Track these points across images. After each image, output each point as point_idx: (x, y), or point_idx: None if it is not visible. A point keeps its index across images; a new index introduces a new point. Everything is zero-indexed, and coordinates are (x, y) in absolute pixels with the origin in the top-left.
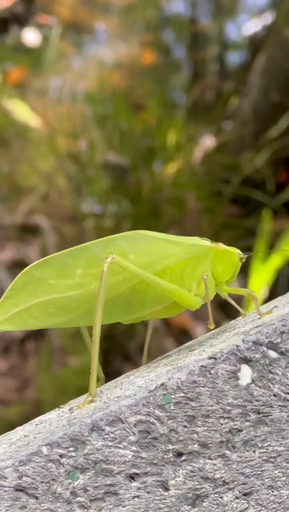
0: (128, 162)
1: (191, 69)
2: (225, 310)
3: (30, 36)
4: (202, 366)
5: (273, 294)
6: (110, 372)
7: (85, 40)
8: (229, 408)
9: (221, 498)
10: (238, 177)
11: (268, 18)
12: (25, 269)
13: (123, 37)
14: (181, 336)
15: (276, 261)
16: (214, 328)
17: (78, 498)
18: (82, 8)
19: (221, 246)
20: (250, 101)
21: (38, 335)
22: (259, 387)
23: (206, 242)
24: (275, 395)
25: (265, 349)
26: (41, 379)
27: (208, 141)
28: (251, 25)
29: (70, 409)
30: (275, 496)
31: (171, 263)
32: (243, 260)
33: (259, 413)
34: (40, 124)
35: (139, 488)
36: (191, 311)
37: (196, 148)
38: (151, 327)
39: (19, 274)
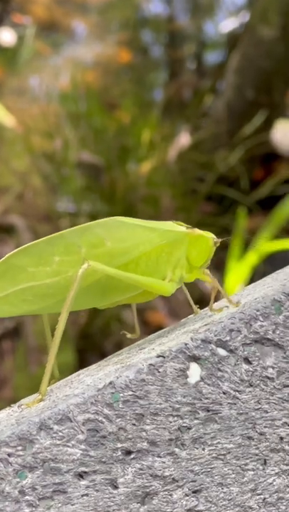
0: (102, 161)
1: (169, 68)
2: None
3: (6, 36)
4: (150, 364)
5: None
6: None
7: (62, 39)
8: (178, 406)
9: (171, 495)
10: (212, 175)
11: (245, 17)
12: (4, 258)
13: (100, 36)
14: None
15: (252, 258)
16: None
17: (27, 497)
18: (58, 8)
19: (196, 231)
20: (225, 99)
21: (14, 334)
22: (208, 385)
23: (181, 228)
24: (224, 393)
25: (214, 347)
26: (17, 378)
27: (183, 140)
28: (228, 24)
29: (19, 407)
30: (224, 493)
31: (147, 249)
32: (218, 245)
33: (208, 411)
34: (15, 123)
35: (87, 487)
36: (166, 296)
37: (170, 147)
38: (134, 306)
39: None
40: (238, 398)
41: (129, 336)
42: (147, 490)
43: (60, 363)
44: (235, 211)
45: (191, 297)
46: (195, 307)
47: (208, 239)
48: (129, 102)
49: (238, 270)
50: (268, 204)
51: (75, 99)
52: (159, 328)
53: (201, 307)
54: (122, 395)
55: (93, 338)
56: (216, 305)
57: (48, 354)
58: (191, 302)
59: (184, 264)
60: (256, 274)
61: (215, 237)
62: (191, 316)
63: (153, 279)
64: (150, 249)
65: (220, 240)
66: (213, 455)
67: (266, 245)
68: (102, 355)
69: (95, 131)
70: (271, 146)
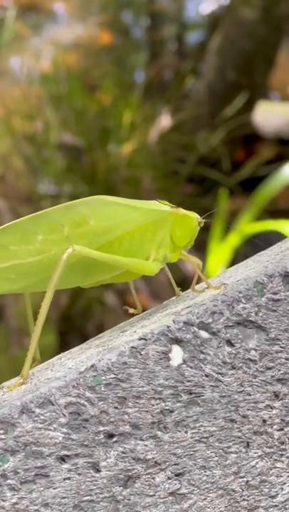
0: (83, 143)
1: (150, 49)
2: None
3: None
4: (132, 347)
5: None
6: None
7: (43, 21)
8: (160, 389)
9: (153, 478)
10: (193, 156)
11: None
12: None
13: (81, 18)
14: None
15: (233, 240)
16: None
17: (9, 481)
18: None
19: (181, 211)
20: (206, 80)
21: None
22: (190, 367)
23: (165, 207)
24: (206, 376)
25: (196, 329)
26: None
27: (164, 121)
28: (209, 5)
29: (0, 390)
30: (207, 475)
31: (131, 228)
32: (202, 225)
33: (191, 394)
34: None
35: (70, 470)
36: (150, 276)
37: (151, 128)
38: (131, 282)
39: None
40: (220, 381)
41: (131, 311)
42: (130, 473)
43: (41, 346)
44: (216, 192)
45: (175, 276)
46: (177, 289)
47: (193, 219)
48: (110, 83)
49: (219, 252)
50: (250, 185)
51: (56, 80)
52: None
53: (183, 289)
54: (104, 378)
55: (75, 321)
56: (198, 286)
57: (29, 335)
58: (174, 284)
59: (168, 243)
60: (238, 256)
61: (199, 217)
62: (174, 298)
63: (137, 259)
64: (134, 228)
65: (204, 220)
66: (196, 438)
67: (248, 227)
68: (84, 337)
69: (76, 112)
70: (252, 127)
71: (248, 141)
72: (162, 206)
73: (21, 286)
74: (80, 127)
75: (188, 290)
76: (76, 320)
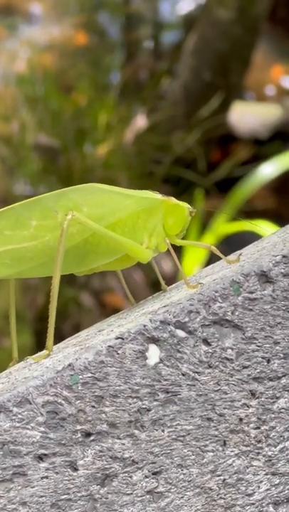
0: (59, 144)
1: (125, 50)
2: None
3: None
4: (109, 346)
5: None
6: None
7: (18, 22)
8: (137, 388)
9: (130, 477)
10: (169, 157)
11: None
12: None
13: (57, 19)
14: None
15: (209, 240)
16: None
17: None
18: None
19: (173, 200)
20: (182, 81)
21: None
22: (167, 366)
23: (157, 196)
24: (183, 374)
25: (172, 328)
26: None
27: (139, 122)
28: (185, 5)
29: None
30: (184, 474)
31: (123, 216)
32: (193, 215)
33: (168, 392)
34: None
35: (47, 469)
36: (143, 263)
37: (127, 129)
38: (122, 276)
39: None
40: (197, 380)
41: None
42: (107, 472)
43: (19, 345)
44: (192, 193)
45: (150, 276)
46: (163, 283)
47: (184, 208)
48: (85, 84)
49: (195, 251)
50: (225, 186)
51: (32, 81)
52: (117, 310)
53: (159, 288)
54: (81, 377)
55: None
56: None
57: (9, 331)
58: (160, 278)
59: (160, 232)
60: (213, 256)
61: (190, 207)
62: (156, 294)
63: (133, 241)
64: (126, 216)
65: (195, 210)
66: (173, 437)
67: (223, 227)
68: (60, 337)
69: (52, 113)
70: (228, 127)
71: (223, 142)
72: (154, 195)
73: (16, 271)
74: (56, 128)
75: (170, 286)
76: None
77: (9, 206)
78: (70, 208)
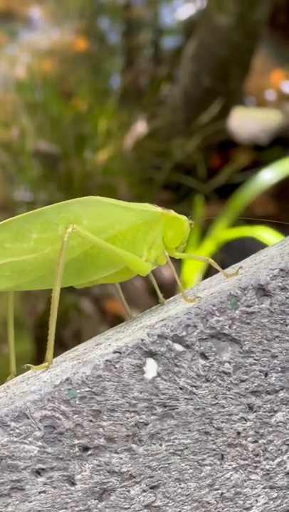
0: (59, 150)
1: (125, 55)
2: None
3: None
4: (107, 360)
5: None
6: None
7: (18, 28)
8: (135, 402)
9: (128, 491)
10: (169, 163)
11: (202, 3)
12: None
13: (57, 24)
14: (116, 322)
15: (209, 247)
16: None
17: None
18: None
19: (172, 213)
20: (182, 86)
21: None
22: (165, 380)
23: (157, 208)
24: (181, 388)
25: (170, 342)
26: None
27: (139, 128)
28: (185, 11)
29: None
30: (182, 488)
31: (123, 228)
32: (192, 227)
33: (165, 406)
34: None
35: (45, 484)
36: (142, 276)
37: (127, 135)
38: (119, 287)
39: None
40: (194, 393)
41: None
42: (105, 486)
43: (17, 353)
44: (192, 199)
45: (150, 284)
46: (161, 296)
47: (184, 221)
48: (85, 90)
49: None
50: (225, 192)
51: (32, 87)
52: (117, 317)
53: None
54: (78, 391)
55: None
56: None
57: (7, 340)
58: (158, 291)
59: (160, 244)
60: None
61: (189, 220)
62: (154, 307)
63: (132, 254)
64: (126, 228)
65: (193, 222)
66: (171, 451)
67: (223, 233)
68: (61, 344)
69: (52, 119)
70: (228, 133)
71: (223, 148)
72: (154, 207)
73: (16, 284)
74: (56, 134)
75: (169, 299)
76: None
77: (10, 218)
78: (70, 221)
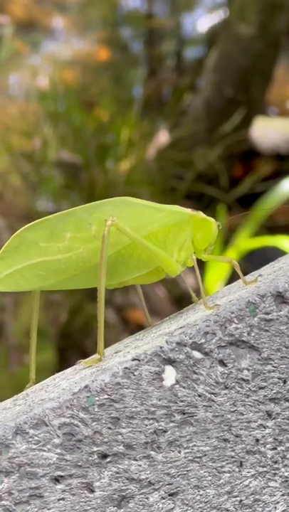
0: (81, 160)
1: (148, 65)
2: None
3: None
4: (126, 368)
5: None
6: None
7: (41, 38)
8: (153, 409)
9: (147, 498)
10: (191, 173)
11: (224, 13)
12: (17, 232)
13: (79, 34)
14: (138, 331)
15: (231, 256)
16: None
17: (3, 502)
18: (36, 6)
19: (201, 214)
20: (204, 96)
21: None
22: (183, 387)
23: (187, 210)
24: (199, 395)
25: (189, 350)
26: None
27: (162, 137)
28: (207, 20)
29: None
30: (201, 495)
31: (154, 229)
32: (220, 229)
33: (184, 413)
34: None
35: (64, 491)
36: (172, 277)
37: (149, 145)
38: (140, 291)
39: (12, 236)
40: (213, 401)
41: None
42: (124, 493)
43: (40, 362)
44: (214, 209)
45: (173, 292)
46: (194, 295)
47: (212, 222)
48: (107, 99)
49: (218, 268)
50: (248, 201)
51: (54, 97)
52: (139, 326)
53: (182, 304)
54: (97, 398)
55: (74, 337)
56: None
57: (29, 347)
58: (191, 291)
59: (189, 246)
60: (236, 272)
61: (217, 222)
62: (173, 315)
63: (165, 253)
64: (158, 229)
65: (220, 224)
66: (189, 458)
67: (246, 243)
68: (83, 354)
69: (74, 129)
70: (250, 143)
71: (245, 157)
72: (184, 209)
73: (51, 283)
74: (78, 144)
75: (188, 306)
76: (75, 336)
77: (45, 217)
78: (103, 221)
